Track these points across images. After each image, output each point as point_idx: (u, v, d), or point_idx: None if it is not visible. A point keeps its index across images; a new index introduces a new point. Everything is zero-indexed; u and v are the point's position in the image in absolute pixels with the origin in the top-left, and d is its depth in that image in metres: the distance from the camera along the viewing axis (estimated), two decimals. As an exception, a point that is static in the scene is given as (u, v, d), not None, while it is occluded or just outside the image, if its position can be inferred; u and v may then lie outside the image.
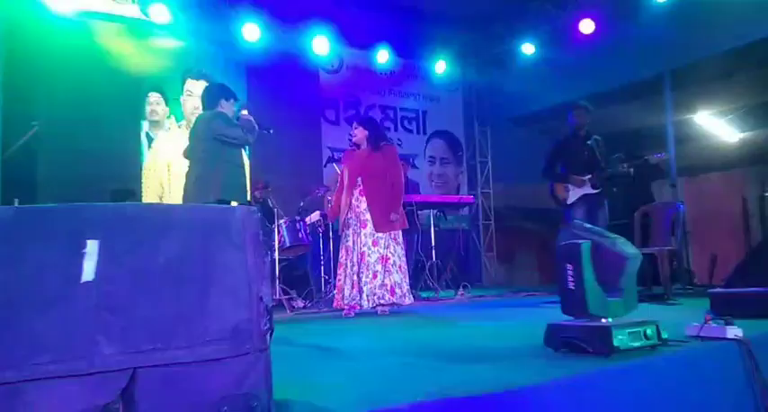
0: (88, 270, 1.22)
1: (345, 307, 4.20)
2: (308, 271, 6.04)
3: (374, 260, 4.14)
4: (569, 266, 2.05)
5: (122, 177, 5.81)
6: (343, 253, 4.31)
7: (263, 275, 1.34)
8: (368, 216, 4.21)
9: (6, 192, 4.97)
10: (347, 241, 4.28)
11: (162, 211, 1.39)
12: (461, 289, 6.15)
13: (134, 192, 5.62)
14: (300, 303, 5.17)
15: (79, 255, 1.22)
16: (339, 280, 4.30)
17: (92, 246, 1.25)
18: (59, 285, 1.18)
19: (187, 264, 1.27)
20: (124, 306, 1.19)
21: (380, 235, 4.19)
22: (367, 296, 4.10)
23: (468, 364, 2.02)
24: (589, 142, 4.85)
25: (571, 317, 2.12)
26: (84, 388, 1.11)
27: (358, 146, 4.43)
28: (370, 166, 4.30)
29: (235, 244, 1.34)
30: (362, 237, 4.19)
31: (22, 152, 4.80)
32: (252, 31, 6.58)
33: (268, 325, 1.28)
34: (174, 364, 1.17)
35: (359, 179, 4.31)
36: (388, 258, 4.19)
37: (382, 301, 4.13)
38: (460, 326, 3.52)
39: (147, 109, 6.19)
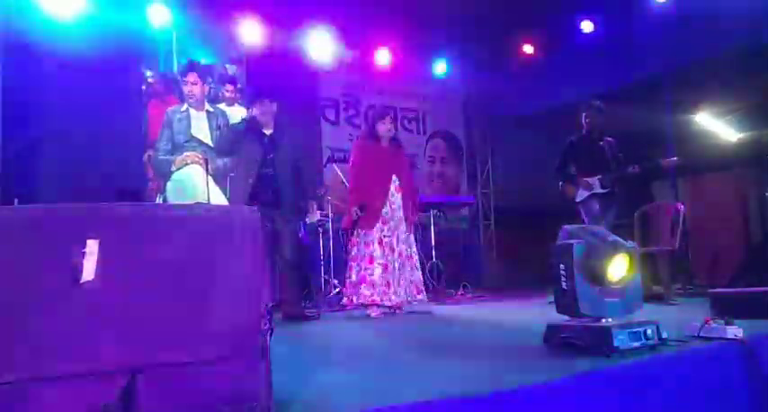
0: (88, 270, 1.22)
1: (378, 304, 4.08)
2: (308, 271, 6.04)
3: (414, 257, 4.27)
4: (562, 266, 2.05)
5: (125, 177, 5.80)
6: (374, 249, 4.09)
7: (263, 275, 1.34)
8: (401, 213, 4.23)
9: (6, 191, 4.97)
10: (384, 237, 4.12)
11: (163, 211, 1.39)
12: (461, 288, 6.16)
13: (138, 192, 5.61)
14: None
15: (79, 255, 1.22)
16: (372, 275, 4.05)
17: (92, 246, 1.25)
18: (60, 285, 1.18)
19: (187, 265, 1.27)
20: (124, 306, 1.19)
21: (409, 233, 4.29)
22: (405, 293, 4.16)
23: (467, 364, 2.02)
24: (601, 143, 4.87)
25: (569, 317, 2.12)
26: (84, 388, 1.11)
27: (375, 139, 4.27)
28: (401, 164, 4.35)
29: (235, 244, 1.34)
30: (404, 236, 4.22)
31: (23, 152, 4.80)
32: (251, 31, 6.59)
33: (268, 325, 1.28)
34: (174, 364, 1.17)
35: (394, 176, 4.24)
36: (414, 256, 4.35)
37: (412, 299, 4.22)
38: (460, 326, 3.52)
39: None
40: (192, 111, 6.37)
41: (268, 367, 1.26)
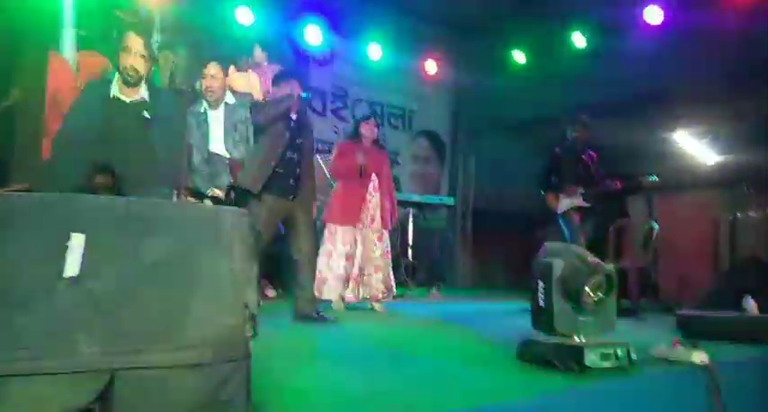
0: (72, 264, 1.20)
1: (344, 297, 4.28)
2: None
3: (378, 255, 4.36)
4: (540, 284, 2.09)
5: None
6: (349, 248, 4.30)
7: (250, 280, 1.32)
8: (377, 212, 4.38)
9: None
10: (356, 236, 4.33)
11: (151, 208, 1.36)
12: (435, 288, 6.20)
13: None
14: (270, 293, 5.11)
15: (63, 249, 1.20)
16: (340, 271, 4.27)
17: (76, 240, 1.22)
18: (41, 279, 1.16)
19: (173, 265, 1.25)
20: (107, 305, 1.17)
21: (385, 231, 4.42)
22: (368, 289, 4.32)
23: (440, 377, 2.02)
24: (584, 156, 4.95)
25: (543, 333, 2.16)
26: (62, 387, 1.09)
27: (358, 140, 4.44)
28: (382, 165, 4.50)
29: (222, 246, 1.32)
30: (370, 233, 4.35)
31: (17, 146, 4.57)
32: (245, 17, 6.48)
33: (251, 332, 1.28)
34: (155, 368, 1.15)
35: (373, 175, 4.40)
36: (389, 253, 4.46)
37: (382, 294, 4.35)
38: (435, 333, 3.43)
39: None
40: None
41: (248, 374, 1.25)
